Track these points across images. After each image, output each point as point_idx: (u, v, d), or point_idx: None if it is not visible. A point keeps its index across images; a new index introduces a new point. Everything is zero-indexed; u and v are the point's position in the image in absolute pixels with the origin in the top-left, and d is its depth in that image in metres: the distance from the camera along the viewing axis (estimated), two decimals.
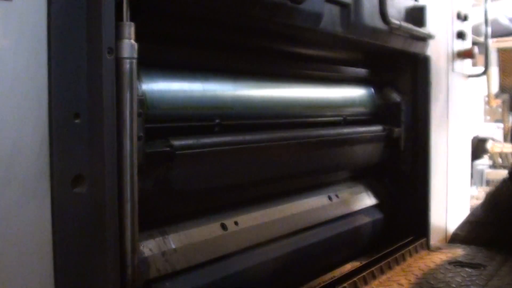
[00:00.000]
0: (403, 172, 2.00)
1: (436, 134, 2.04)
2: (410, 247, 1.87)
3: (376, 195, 1.96)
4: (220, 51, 1.32)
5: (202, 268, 1.23)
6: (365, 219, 1.86)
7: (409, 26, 1.74)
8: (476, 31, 2.49)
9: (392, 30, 1.66)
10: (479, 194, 4.08)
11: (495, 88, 4.96)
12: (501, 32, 4.62)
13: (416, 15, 1.81)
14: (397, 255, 1.78)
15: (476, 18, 2.69)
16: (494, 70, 4.85)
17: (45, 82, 0.82)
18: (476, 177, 4.84)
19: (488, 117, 5.38)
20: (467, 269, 1.74)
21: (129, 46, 0.94)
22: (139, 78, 1.04)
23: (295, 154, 1.50)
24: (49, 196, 0.83)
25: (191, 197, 1.23)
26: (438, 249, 1.98)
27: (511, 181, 1.92)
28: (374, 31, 1.61)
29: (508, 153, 4.93)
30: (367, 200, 1.91)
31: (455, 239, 2.18)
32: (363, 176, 1.97)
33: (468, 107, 2.48)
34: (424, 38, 1.88)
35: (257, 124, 1.39)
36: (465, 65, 2.35)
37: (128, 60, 0.93)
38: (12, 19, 0.79)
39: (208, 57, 1.29)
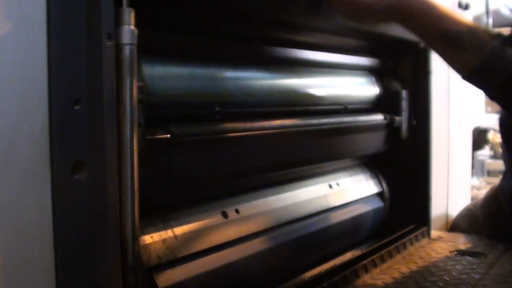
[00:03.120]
0: (404, 161, 2.00)
1: (437, 123, 2.03)
2: (411, 236, 1.87)
3: (377, 183, 1.96)
4: (221, 38, 1.32)
5: (203, 256, 1.23)
6: (366, 208, 1.86)
7: None
8: (477, 21, 2.48)
9: None
10: (480, 184, 4.08)
11: None
12: (502, 23, 4.61)
13: None
14: (398, 243, 1.78)
15: (477, 9, 2.69)
16: None
17: (45, 69, 0.82)
18: (477, 167, 4.84)
19: (489, 108, 5.38)
20: (468, 257, 1.74)
21: (129, 32, 0.93)
22: (139, 65, 1.04)
23: (296, 142, 1.50)
24: (49, 182, 0.83)
25: (192, 185, 1.23)
26: (439, 237, 1.99)
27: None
28: None
29: None
30: (368, 188, 1.91)
31: (455, 228, 2.18)
32: (364, 164, 1.97)
33: (469, 97, 2.48)
34: None
35: (258, 112, 1.39)
36: None
37: (128, 46, 0.93)
38: (11, 6, 0.79)
39: (209, 44, 1.29)
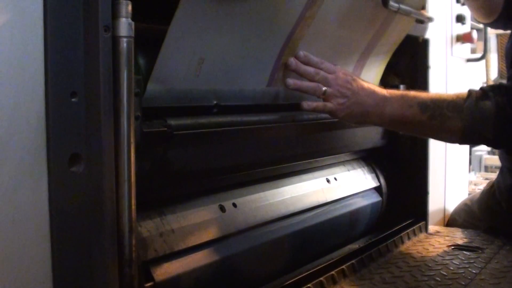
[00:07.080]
0: (401, 155, 2.00)
1: None
2: (409, 230, 1.87)
3: (374, 178, 1.96)
4: None
5: (200, 249, 1.23)
6: (363, 202, 1.86)
7: (409, 9, 1.73)
8: (474, 23, 2.48)
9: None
10: (477, 179, 4.08)
11: (494, 74, 4.94)
12: None
13: None
14: (395, 238, 1.78)
15: None
16: (493, 57, 4.83)
17: (41, 61, 0.81)
18: (475, 163, 4.85)
19: None
20: (465, 252, 1.75)
21: (126, 25, 0.92)
22: (136, 58, 1.03)
23: (294, 136, 1.49)
24: (45, 175, 0.82)
25: (189, 178, 1.23)
26: (436, 232, 1.99)
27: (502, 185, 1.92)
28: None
29: None
30: (366, 183, 1.91)
31: (453, 223, 2.19)
32: (361, 159, 1.97)
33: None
34: (424, 21, 1.86)
35: (256, 105, 1.38)
36: (464, 49, 2.34)
37: (125, 39, 0.92)
38: None
39: None
